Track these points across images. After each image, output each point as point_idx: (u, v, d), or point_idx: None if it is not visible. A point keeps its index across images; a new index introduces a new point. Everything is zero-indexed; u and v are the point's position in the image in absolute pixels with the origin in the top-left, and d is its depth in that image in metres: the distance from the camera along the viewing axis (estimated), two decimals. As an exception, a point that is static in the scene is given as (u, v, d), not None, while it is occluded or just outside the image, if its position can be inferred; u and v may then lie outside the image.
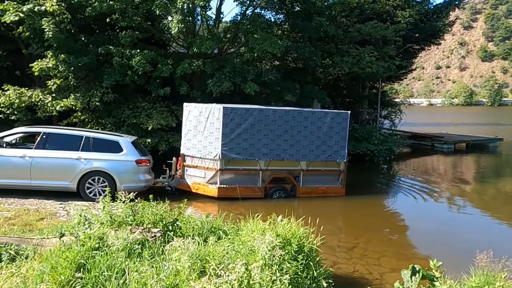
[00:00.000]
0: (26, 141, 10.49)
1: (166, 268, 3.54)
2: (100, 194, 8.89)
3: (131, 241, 4.06)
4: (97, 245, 4.16)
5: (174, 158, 10.81)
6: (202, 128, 10.32)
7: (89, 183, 9.16)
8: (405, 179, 14.36)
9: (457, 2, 21.55)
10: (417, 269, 3.53)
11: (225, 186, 10.04)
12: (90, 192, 9.15)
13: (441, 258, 6.97)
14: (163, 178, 10.57)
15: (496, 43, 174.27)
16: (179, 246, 3.69)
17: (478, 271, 4.02)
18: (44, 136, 9.25)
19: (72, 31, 12.78)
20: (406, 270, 3.59)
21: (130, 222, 5.21)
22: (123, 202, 5.28)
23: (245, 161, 10.18)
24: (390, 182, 14.54)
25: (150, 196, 5.73)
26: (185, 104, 11.03)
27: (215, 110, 10.07)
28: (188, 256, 3.55)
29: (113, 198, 5.65)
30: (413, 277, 3.48)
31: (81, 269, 3.89)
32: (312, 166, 10.69)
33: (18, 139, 9.94)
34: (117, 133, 10.54)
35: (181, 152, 10.82)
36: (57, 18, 11.80)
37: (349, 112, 11.16)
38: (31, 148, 9.27)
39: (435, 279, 3.47)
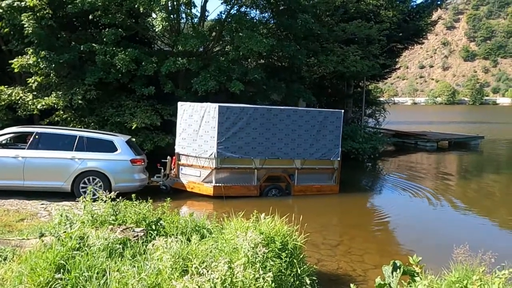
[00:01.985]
0: (17, 141, 10.33)
1: (148, 267, 3.50)
2: (94, 195, 8.82)
3: (112, 240, 4.00)
4: (77, 245, 4.09)
5: (168, 157, 10.76)
6: (197, 127, 10.29)
7: (84, 183, 9.05)
8: (390, 176, 14.55)
9: (439, 2, 21.91)
10: (398, 265, 3.57)
11: (220, 184, 10.04)
12: (85, 192, 9.00)
13: (424, 254, 7.07)
14: (157, 177, 10.54)
15: (478, 43, 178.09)
16: (161, 245, 3.65)
17: (458, 266, 4.09)
18: (37, 136, 9.13)
19: (54, 27, 12.51)
20: (387, 266, 3.63)
21: (112, 222, 5.14)
22: (104, 201, 5.19)
23: (240, 159, 10.21)
24: (375, 180, 14.71)
25: (132, 195, 5.66)
26: (180, 103, 10.99)
27: (211, 109, 10.05)
28: (170, 255, 3.52)
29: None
30: (394, 273, 3.52)
31: (61, 270, 3.81)
32: (307, 164, 10.79)
33: (8, 139, 9.75)
34: (111, 133, 10.44)
35: (176, 151, 10.76)
36: (37, 14, 11.56)
37: (343, 111, 11.30)
38: (24, 149, 9.15)
39: (416, 275, 3.52)
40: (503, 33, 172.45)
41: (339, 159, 10.99)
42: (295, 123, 10.54)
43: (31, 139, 9.15)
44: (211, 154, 9.98)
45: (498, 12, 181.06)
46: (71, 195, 8.91)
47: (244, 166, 10.29)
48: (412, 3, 21.24)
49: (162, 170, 10.52)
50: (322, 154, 10.83)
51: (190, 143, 10.40)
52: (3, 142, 9.48)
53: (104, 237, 4.05)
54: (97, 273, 3.68)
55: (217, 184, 10.03)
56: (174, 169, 10.71)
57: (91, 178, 9.07)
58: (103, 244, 3.93)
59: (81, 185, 9.02)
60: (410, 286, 3.55)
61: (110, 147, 9.30)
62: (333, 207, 10.38)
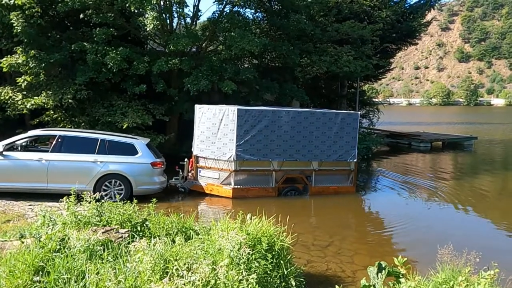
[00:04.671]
0: (35, 144, 10.42)
1: (128, 269, 3.42)
2: (115, 197, 9.05)
3: (93, 242, 3.92)
4: (58, 247, 4.01)
5: (186, 160, 10.84)
6: (215, 130, 10.37)
7: (106, 185, 9.14)
8: (383, 176, 14.53)
9: (432, 3, 21.95)
10: (383, 266, 3.51)
11: (239, 186, 10.18)
12: (106, 195, 9.06)
13: (416, 254, 7.08)
14: (175, 179, 10.61)
15: (472, 44, 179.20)
16: (142, 247, 3.57)
17: (445, 267, 4.04)
18: (59, 140, 9.20)
19: (43, 26, 12.38)
20: (373, 267, 3.58)
21: (97, 223, 5.06)
22: (89, 202, 5.10)
23: (258, 162, 10.31)
24: (368, 180, 14.67)
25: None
26: (197, 106, 11.01)
27: (229, 112, 10.13)
28: (150, 256, 3.44)
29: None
30: (379, 274, 3.46)
31: (40, 273, 3.73)
32: (324, 166, 10.90)
33: (28, 142, 9.80)
34: (132, 136, 10.56)
35: (194, 153, 10.84)
36: (26, 12, 11.42)
37: (359, 112, 11.32)
38: (46, 151, 9.21)
39: (401, 276, 3.46)
40: (497, 34, 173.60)
41: (355, 160, 11.10)
42: (313, 125, 10.64)
43: (54, 142, 9.22)
44: (230, 157, 10.08)
45: (492, 13, 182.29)
46: (60, 196, 8.80)
47: (263, 168, 10.41)
48: (405, 4, 21.25)
49: (180, 173, 10.59)
50: (339, 155, 10.92)
51: (209, 145, 10.48)
52: (24, 144, 9.56)
53: (85, 239, 3.97)
54: (77, 275, 3.60)
55: (236, 186, 10.12)
56: (192, 171, 10.79)
57: (113, 181, 9.19)
58: (84, 245, 3.84)
59: (103, 187, 9.10)
60: (395, 287, 3.49)
61: (131, 150, 9.44)
62: (326, 207, 10.33)
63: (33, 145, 10.25)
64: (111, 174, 9.14)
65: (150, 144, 10.19)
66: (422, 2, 21.62)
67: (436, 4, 23.96)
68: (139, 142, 9.64)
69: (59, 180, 8.88)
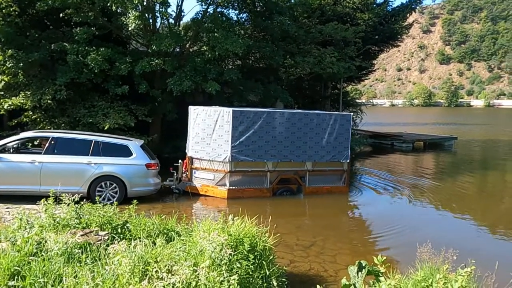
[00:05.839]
0: (27, 146, 10.23)
1: (106, 272, 3.36)
2: (109, 199, 8.92)
3: (71, 245, 3.84)
4: (34, 250, 3.91)
5: (180, 161, 10.79)
6: (210, 131, 10.36)
7: (100, 187, 9.04)
8: (366, 176, 14.69)
9: (413, 6, 22.35)
10: (363, 265, 3.55)
11: (234, 187, 10.21)
12: (100, 196, 8.94)
13: (397, 253, 7.17)
14: (170, 181, 10.56)
15: (453, 47, 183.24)
16: (121, 249, 3.52)
17: (424, 265, 4.10)
18: (52, 141, 9.03)
19: (21, 25, 12.11)
20: (353, 266, 3.61)
21: (76, 225, 4.96)
22: (68, 204, 5.00)
23: (253, 162, 10.34)
24: (351, 180, 14.80)
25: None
26: (192, 107, 10.96)
27: (225, 113, 10.15)
28: (129, 259, 3.39)
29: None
30: (359, 273, 3.49)
31: (16, 277, 3.63)
32: (318, 166, 10.99)
33: (20, 144, 9.58)
34: (126, 137, 10.45)
35: (189, 155, 10.79)
36: (3, 11, 11.15)
37: (352, 114, 11.44)
38: (39, 153, 9.03)
39: (380, 274, 3.50)
40: (476, 37, 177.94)
41: (348, 161, 11.25)
42: (307, 126, 10.73)
43: (47, 144, 9.06)
44: (225, 158, 10.08)
45: (472, 17, 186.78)
46: (38, 199, 8.64)
47: (257, 169, 10.43)
48: (387, 7, 21.58)
49: (175, 174, 10.55)
50: (333, 156, 11.03)
51: (204, 147, 10.46)
52: (16, 146, 9.36)
53: (63, 242, 3.88)
54: (54, 279, 3.52)
55: (231, 187, 10.17)
56: (187, 173, 10.77)
57: (107, 183, 9.09)
58: (61, 248, 3.76)
59: (98, 189, 9.01)
60: (375, 286, 3.53)
61: (125, 151, 9.34)
62: (309, 207, 10.38)
63: (25, 147, 10.07)
64: (105, 176, 9.05)
65: (144, 145, 10.12)
66: (404, 5, 21.99)
67: (418, 7, 24.41)
68: (133, 144, 9.56)
69: (52, 182, 8.61)
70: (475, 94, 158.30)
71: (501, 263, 4.27)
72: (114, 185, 9.12)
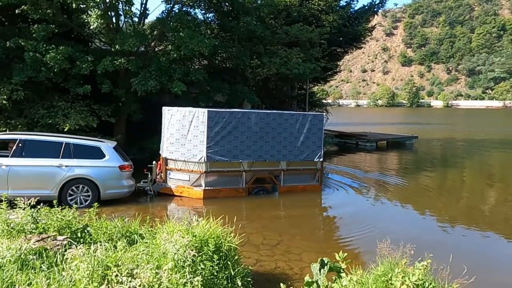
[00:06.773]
0: None
1: (63, 278, 3.24)
2: (82, 203, 8.66)
3: (25, 251, 3.67)
4: (-15, 258, 3.71)
5: (154, 162, 10.58)
6: (185, 132, 10.28)
7: (72, 190, 8.73)
8: (332, 175, 14.96)
9: (375, 9, 23.03)
10: (326, 262, 3.61)
11: (210, 188, 10.23)
12: (71, 200, 8.62)
13: (360, 249, 7.35)
14: (144, 182, 10.34)
15: (414, 49, 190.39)
16: (78, 254, 3.40)
17: (384, 260, 4.23)
18: (20, 144, 8.62)
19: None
20: (315, 264, 3.66)
21: (32, 230, 4.74)
22: (23, 208, 4.78)
23: (229, 163, 10.36)
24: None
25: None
26: (166, 108, 10.81)
27: (200, 114, 10.13)
28: (88, 263, 3.28)
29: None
30: (322, 270, 3.55)
31: (-36, 287, 3.43)
32: (292, 165, 11.14)
33: None
34: (98, 139, 10.09)
35: (163, 156, 10.64)
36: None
37: (324, 113, 11.62)
38: (6, 157, 8.58)
39: (341, 271, 3.58)
40: (435, 40, 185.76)
41: (321, 160, 11.46)
42: (281, 126, 10.86)
43: (14, 146, 8.64)
44: (201, 158, 10.07)
45: (431, 21, 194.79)
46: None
47: (233, 169, 10.49)
48: (351, 9, 22.13)
49: (149, 175, 10.33)
50: (306, 155, 11.21)
51: (179, 147, 10.36)
52: None
53: (16, 248, 3.70)
54: (6, 287, 3.35)
55: (207, 188, 10.17)
56: (161, 174, 10.61)
57: (80, 186, 8.80)
58: (14, 255, 3.59)
59: (69, 192, 8.71)
60: (336, 282, 3.60)
61: (97, 153, 9.10)
62: (276, 206, 10.48)
63: None
64: (77, 179, 8.81)
65: (117, 147, 9.86)
66: (365, 7, 22.61)
67: (380, 10, 25.32)
68: (106, 145, 9.32)
69: (21, 186, 8.34)
70: (435, 95, 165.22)
71: (456, 255, 4.48)
72: (87, 188, 8.86)
